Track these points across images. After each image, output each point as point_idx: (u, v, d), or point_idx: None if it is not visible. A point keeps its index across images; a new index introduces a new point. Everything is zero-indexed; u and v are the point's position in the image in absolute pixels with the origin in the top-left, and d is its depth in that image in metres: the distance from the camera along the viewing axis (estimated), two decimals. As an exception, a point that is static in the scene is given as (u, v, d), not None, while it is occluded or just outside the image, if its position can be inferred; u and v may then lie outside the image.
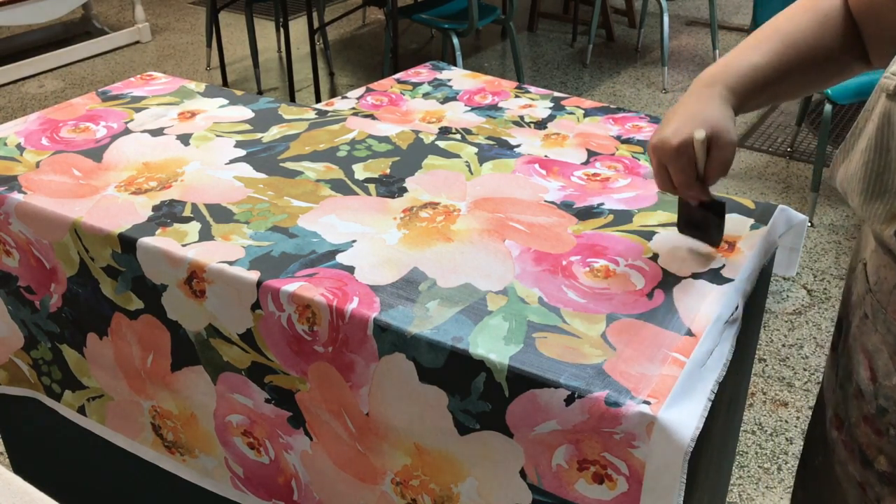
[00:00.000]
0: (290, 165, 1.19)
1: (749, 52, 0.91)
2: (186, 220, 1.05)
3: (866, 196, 0.77)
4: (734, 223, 1.03)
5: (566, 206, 1.09)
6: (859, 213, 0.79)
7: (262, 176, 1.16)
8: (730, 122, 0.88)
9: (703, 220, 0.96)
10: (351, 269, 0.95)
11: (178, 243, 1.00)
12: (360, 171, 1.17)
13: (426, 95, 1.98)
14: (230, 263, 0.96)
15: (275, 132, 1.29)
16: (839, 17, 0.90)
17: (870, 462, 0.84)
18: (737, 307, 0.89)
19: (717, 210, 0.94)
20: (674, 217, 1.04)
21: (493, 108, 1.92)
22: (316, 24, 3.91)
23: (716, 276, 0.93)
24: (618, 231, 1.03)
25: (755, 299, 1.02)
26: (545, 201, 1.10)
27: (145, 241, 1.01)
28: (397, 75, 2.13)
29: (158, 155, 1.22)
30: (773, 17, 0.93)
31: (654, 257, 0.97)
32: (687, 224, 0.98)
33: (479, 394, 0.84)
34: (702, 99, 0.89)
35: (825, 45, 0.90)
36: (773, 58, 0.90)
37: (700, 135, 0.85)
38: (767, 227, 1.02)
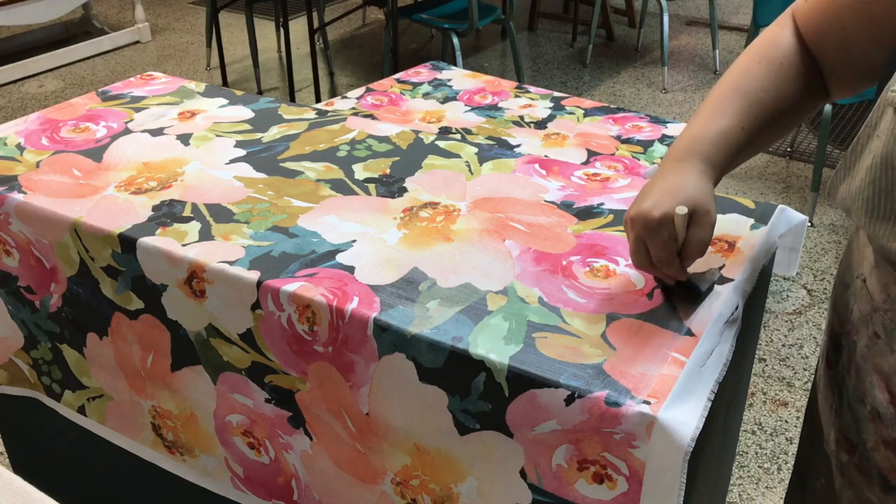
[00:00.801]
0: (290, 165, 1.19)
1: (715, 118, 0.87)
2: (186, 219, 1.05)
3: (875, 214, 0.75)
4: (734, 223, 1.03)
5: (566, 206, 1.09)
6: (866, 231, 0.77)
7: (262, 176, 1.16)
8: (711, 199, 0.83)
9: (677, 301, 0.90)
10: (351, 269, 0.95)
11: (178, 243, 1.00)
12: (360, 171, 1.17)
13: (426, 95, 1.98)
14: (230, 263, 0.96)
15: (275, 132, 1.29)
16: (794, 59, 0.88)
17: (892, 487, 0.82)
18: (737, 307, 0.89)
19: (693, 295, 0.89)
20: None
21: (493, 108, 1.92)
22: (316, 24, 3.91)
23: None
24: (618, 231, 1.03)
25: (755, 299, 1.02)
26: (545, 201, 1.10)
27: (145, 240, 1.01)
28: (397, 75, 2.13)
29: (158, 155, 1.22)
30: (727, 73, 0.90)
31: (654, 257, 0.97)
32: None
33: (479, 394, 0.84)
34: (680, 173, 0.85)
35: (786, 93, 0.88)
36: (740, 119, 0.86)
37: (682, 211, 0.81)
38: (767, 227, 1.02)
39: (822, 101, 0.91)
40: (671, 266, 0.84)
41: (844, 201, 0.79)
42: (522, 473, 0.86)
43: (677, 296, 0.90)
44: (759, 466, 1.93)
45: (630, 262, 0.96)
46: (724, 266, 0.94)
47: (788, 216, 1.06)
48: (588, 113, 1.92)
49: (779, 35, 0.90)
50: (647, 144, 1.77)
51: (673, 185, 0.83)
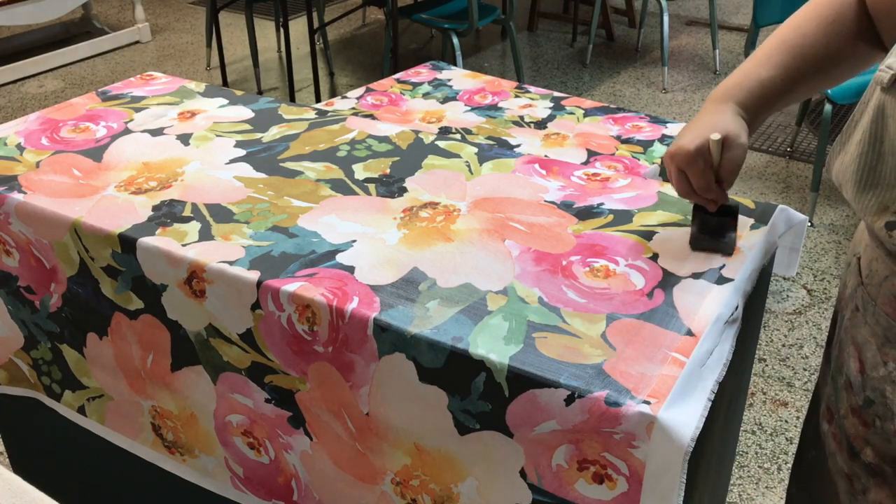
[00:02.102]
0: (290, 165, 1.19)
1: (758, 68, 0.94)
2: (186, 219, 1.05)
3: (859, 187, 0.78)
4: (734, 223, 1.03)
5: (566, 205, 1.09)
6: (853, 205, 0.80)
7: (262, 176, 1.16)
8: (741, 129, 0.91)
9: (718, 226, 0.98)
10: (351, 269, 0.95)
11: (178, 243, 1.00)
12: (360, 171, 1.17)
13: (426, 95, 1.98)
14: (230, 263, 0.96)
15: (275, 132, 1.29)
16: (848, 18, 0.91)
17: (857, 454, 0.85)
18: (737, 307, 0.89)
19: (732, 213, 0.98)
20: (673, 217, 1.04)
21: (493, 108, 1.92)
22: (316, 24, 3.91)
23: (716, 276, 0.93)
24: (618, 231, 1.03)
25: (755, 299, 1.02)
26: (545, 201, 1.10)
27: (145, 240, 1.01)
28: (397, 75, 2.13)
29: (158, 155, 1.22)
30: (783, 24, 0.95)
31: (654, 257, 0.97)
32: (701, 231, 0.98)
33: (479, 394, 0.84)
34: (716, 112, 0.93)
35: (835, 50, 0.92)
36: (782, 72, 0.92)
37: (716, 136, 0.90)
38: (767, 227, 1.02)
39: (880, 55, 0.94)
40: (710, 191, 0.93)
41: (837, 175, 0.83)
42: (522, 473, 0.86)
43: (718, 230, 0.98)
44: (759, 466, 1.93)
45: (629, 262, 0.97)
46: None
47: (788, 216, 1.06)
48: (588, 113, 1.92)
49: None
50: (647, 144, 1.77)
51: (707, 123, 0.92)
